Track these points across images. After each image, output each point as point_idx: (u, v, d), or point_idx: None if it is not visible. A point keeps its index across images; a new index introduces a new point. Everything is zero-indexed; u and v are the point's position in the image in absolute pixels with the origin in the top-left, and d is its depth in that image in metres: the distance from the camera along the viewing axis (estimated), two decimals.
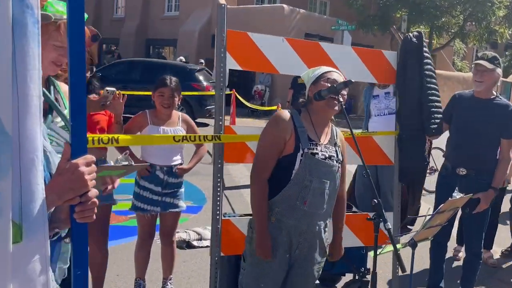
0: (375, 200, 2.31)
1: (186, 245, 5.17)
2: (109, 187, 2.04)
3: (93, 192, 1.42)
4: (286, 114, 2.59)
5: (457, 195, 2.71)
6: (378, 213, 2.32)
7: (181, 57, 19.62)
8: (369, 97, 5.43)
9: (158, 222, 3.99)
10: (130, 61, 16.40)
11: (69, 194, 1.36)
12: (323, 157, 2.53)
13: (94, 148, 3.46)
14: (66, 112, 2.17)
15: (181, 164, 3.87)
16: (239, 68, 3.25)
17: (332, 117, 2.62)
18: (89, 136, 2.85)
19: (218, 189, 3.21)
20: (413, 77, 3.63)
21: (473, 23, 23.91)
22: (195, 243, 5.20)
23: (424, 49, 3.72)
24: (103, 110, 3.38)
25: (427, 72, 3.67)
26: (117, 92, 3.24)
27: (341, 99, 2.42)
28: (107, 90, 3.21)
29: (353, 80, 2.46)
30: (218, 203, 3.20)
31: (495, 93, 4.03)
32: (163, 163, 3.79)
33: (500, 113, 3.87)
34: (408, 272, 2.30)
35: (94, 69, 3.48)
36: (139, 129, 3.77)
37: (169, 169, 3.80)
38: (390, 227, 2.27)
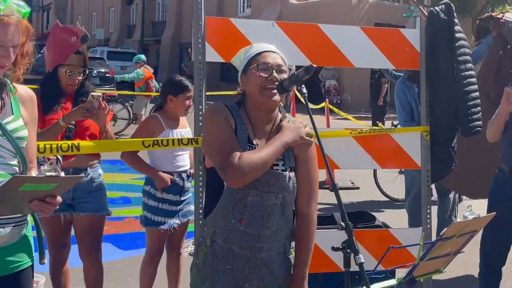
0: (342, 224, 1.74)
1: None
2: (50, 201, 1.75)
3: None
4: (221, 105, 2.09)
5: (469, 215, 2.06)
6: (348, 242, 1.73)
7: None
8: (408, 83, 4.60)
9: None
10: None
11: None
12: None
13: (85, 155, 3.18)
14: (13, 117, 1.94)
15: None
16: (220, 60, 2.80)
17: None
18: (46, 143, 2.53)
19: (201, 200, 2.78)
20: (445, 65, 2.99)
21: None
22: None
23: (457, 27, 3.05)
24: (87, 118, 3.09)
25: (461, 58, 3.00)
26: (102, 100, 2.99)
27: (304, 90, 1.88)
28: (92, 96, 2.97)
29: (315, 66, 1.85)
30: (200, 216, 2.76)
31: None
32: (181, 169, 3.48)
33: None
34: None
35: (87, 71, 3.26)
36: (151, 135, 3.40)
37: (185, 173, 3.50)
38: (362, 261, 1.69)
